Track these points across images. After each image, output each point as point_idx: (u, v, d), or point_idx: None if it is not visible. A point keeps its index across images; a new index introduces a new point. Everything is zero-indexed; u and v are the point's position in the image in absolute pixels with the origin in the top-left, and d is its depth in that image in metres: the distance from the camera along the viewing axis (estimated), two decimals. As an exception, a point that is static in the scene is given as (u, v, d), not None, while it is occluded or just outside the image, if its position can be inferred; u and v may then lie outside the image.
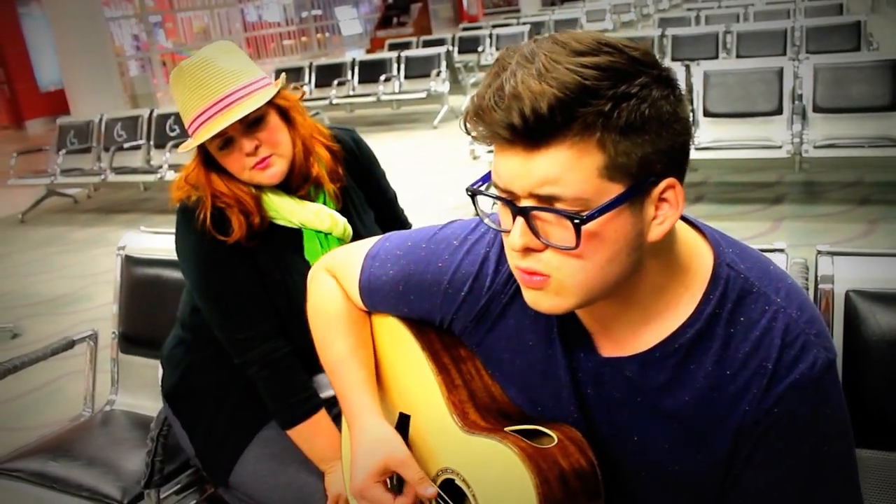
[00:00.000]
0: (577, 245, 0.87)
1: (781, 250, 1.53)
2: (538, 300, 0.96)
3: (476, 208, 1.01)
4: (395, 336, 1.27)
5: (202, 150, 1.69)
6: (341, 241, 1.76)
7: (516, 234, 0.91)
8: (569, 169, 0.86)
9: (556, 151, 0.86)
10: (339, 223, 1.76)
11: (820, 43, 7.47)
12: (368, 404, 1.24)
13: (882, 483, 1.45)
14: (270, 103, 1.66)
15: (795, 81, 5.49)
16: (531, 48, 0.88)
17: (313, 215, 1.74)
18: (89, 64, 9.15)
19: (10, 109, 15.88)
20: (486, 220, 1.02)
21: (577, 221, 0.86)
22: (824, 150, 5.20)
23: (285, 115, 1.71)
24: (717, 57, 7.81)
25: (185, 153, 1.73)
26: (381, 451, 1.16)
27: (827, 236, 4.64)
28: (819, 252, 1.54)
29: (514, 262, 0.95)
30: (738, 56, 7.62)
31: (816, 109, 5.41)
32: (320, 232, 1.76)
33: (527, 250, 0.92)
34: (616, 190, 0.87)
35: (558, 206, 0.87)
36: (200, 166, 1.70)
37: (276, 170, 1.68)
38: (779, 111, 5.51)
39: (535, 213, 0.89)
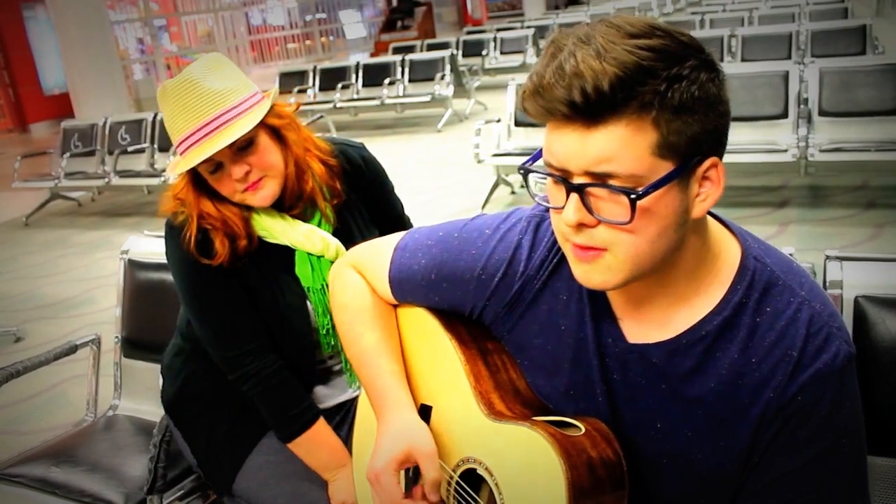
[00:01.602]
0: (631, 220, 0.91)
1: (790, 255, 1.51)
2: (590, 275, 0.98)
3: (527, 186, 1.03)
4: (420, 327, 1.28)
5: (192, 170, 1.62)
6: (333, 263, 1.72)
7: (570, 210, 0.93)
8: (624, 146, 0.89)
9: (614, 128, 0.89)
10: (330, 246, 1.71)
11: (825, 47, 7.45)
12: (400, 395, 1.25)
13: (891, 490, 1.44)
14: (261, 124, 1.59)
15: (801, 85, 5.47)
16: (586, 31, 0.91)
17: (304, 237, 1.69)
18: (94, 67, 9.17)
19: (15, 113, 15.91)
20: (537, 199, 1.04)
21: (633, 197, 0.89)
22: (830, 154, 5.19)
23: (277, 134, 1.65)
24: (721, 61, 7.74)
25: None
26: (409, 439, 1.17)
27: (833, 240, 4.63)
28: (828, 257, 1.53)
29: (568, 237, 0.97)
30: (742, 60, 7.60)
31: (822, 113, 5.39)
32: (312, 254, 1.71)
33: (580, 226, 0.94)
34: (666, 168, 0.91)
35: (612, 182, 0.90)
36: (189, 186, 1.65)
37: (267, 192, 1.63)
38: (784, 115, 5.49)
39: (589, 189, 0.92)
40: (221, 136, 1.53)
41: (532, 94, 0.92)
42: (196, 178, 1.65)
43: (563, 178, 0.94)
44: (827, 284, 1.49)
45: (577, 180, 0.92)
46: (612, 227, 0.93)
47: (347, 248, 1.70)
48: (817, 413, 0.97)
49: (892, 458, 1.42)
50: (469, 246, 1.19)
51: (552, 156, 0.94)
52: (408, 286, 1.27)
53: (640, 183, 0.90)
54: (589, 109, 0.88)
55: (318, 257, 1.71)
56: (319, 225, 1.73)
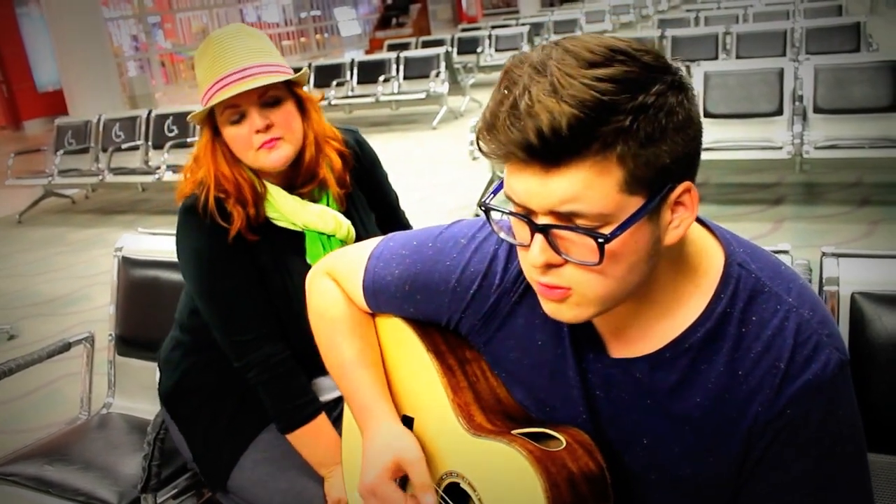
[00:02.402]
0: (600, 262, 0.86)
1: (786, 252, 1.52)
2: (560, 311, 0.95)
3: (490, 224, 0.99)
4: (398, 337, 1.25)
5: (212, 128, 1.67)
6: (344, 243, 1.73)
7: (536, 251, 0.89)
8: (589, 187, 0.84)
9: (576, 171, 0.84)
10: (343, 225, 1.74)
11: (820, 44, 7.46)
12: (382, 406, 1.22)
13: (888, 486, 1.44)
14: (290, 90, 1.66)
15: (796, 82, 5.48)
16: (541, 58, 0.85)
17: (316, 217, 1.72)
18: (88, 64, 9.13)
19: (8, 110, 15.86)
20: (502, 234, 1.00)
21: (601, 241, 0.85)
22: (825, 151, 5.19)
23: (302, 107, 1.70)
24: (716, 58, 7.80)
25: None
26: (395, 448, 1.15)
27: (828, 237, 4.63)
28: (824, 254, 1.52)
29: (534, 276, 0.94)
30: (737, 57, 7.61)
31: (817, 110, 5.40)
32: (323, 234, 1.73)
33: (547, 266, 0.90)
34: (636, 203, 0.86)
35: (579, 222, 0.86)
36: (209, 143, 1.69)
37: (283, 153, 1.65)
38: (779, 112, 5.50)
39: (555, 230, 0.88)
40: (253, 81, 1.59)
41: (486, 134, 0.87)
42: (215, 141, 1.68)
43: (527, 217, 0.89)
44: (823, 281, 1.49)
45: (542, 220, 0.88)
46: (580, 267, 0.89)
47: None
48: (808, 425, 0.93)
49: (888, 454, 1.42)
50: (444, 256, 1.15)
51: (514, 194, 0.89)
52: (382, 297, 1.23)
53: (608, 221, 0.85)
54: (547, 152, 0.82)
55: (329, 237, 1.73)
56: (328, 205, 1.75)
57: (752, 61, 6.24)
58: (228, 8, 22.68)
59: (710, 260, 0.99)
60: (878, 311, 1.42)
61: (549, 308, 0.95)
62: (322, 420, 1.70)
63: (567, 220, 0.86)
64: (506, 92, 0.86)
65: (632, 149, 0.83)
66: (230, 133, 1.65)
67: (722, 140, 5.43)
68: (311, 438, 1.69)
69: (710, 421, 0.97)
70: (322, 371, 1.79)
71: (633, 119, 0.82)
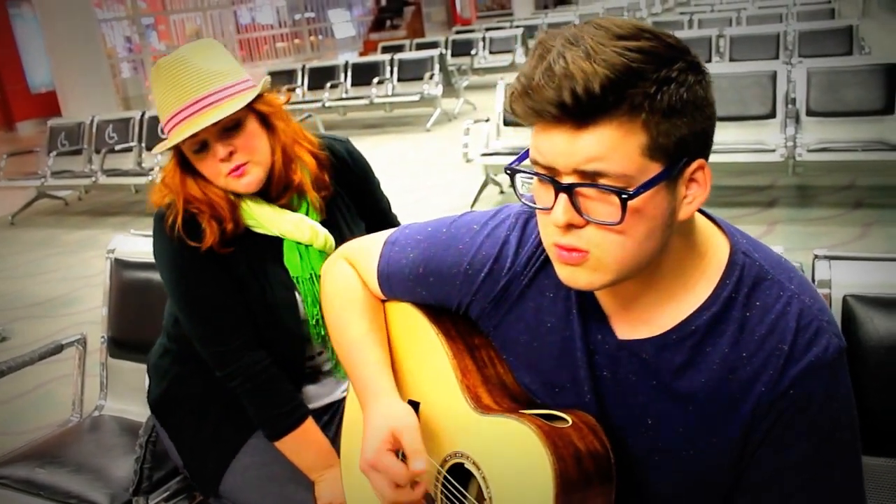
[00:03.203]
0: (622, 220, 0.90)
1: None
2: (575, 276, 0.97)
3: (514, 187, 1.03)
4: (409, 322, 1.28)
5: (178, 152, 1.64)
6: (322, 253, 1.72)
7: (559, 211, 0.92)
8: (615, 147, 0.89)
9: (604, 129, 0.88)
10: (319, 235, 1.71)
11: (812, 47, 7.48)
12: (384, 383, 1.24)
13: (880, 489, 1.44)
14: (250, 108, 1.61)
15: (789, 85, 5.50)
16: (573, 32, 0.91)
17: (293, 226, 1.69)
18: (81, 66, 9.12)
19: (1, 111, 15.80)
20: (523, 200, 1.04)
21: (624, 196, 0.89)
22: (818, 154, 5.21)
23: (266, 121, 1.65)
24: (710, 60, 7.81)
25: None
26: (390, 420, 1.16)
27: (821, 240, 4.65)
28: (816, 256, 1.53)
29: (554, 238, 0.96)
30: (731, 60, 7.62)
31: (810, 113, 5.42)
32: (300, 243, 1.71)
33: (568, 227, 0.93)
34: (655, 169, 0.90)
35: (602, 182, 0.90)
36: (176, 168, 1.66)
37: (252, 178, 1.63)
38: (772, 115, 5.51)
39: (579, 189, 0.91)
40: (209, 114, 1.55)
41: (521, 95, 0.91)
42: (183, 163, 1.66)
43: (551, 177, 0.93)
44: (815, 283, 1.49)
45: (566, 180, 0.92)
46: (600, 227, 0.92)
47: (335, 240, 1.72)
48: (810, 407, 0.97)
49: (882, 457, 1.42)
50: (457, 241, 1.19)
51: (540, 154, 0.93)
52: (395, 280, 1.27)
53: (630, 183, 0.89)
54: (579, 111, 0.87)
55: (307, 246, 1.71)
56: (307, 214, 1.73)
57: (745, 64, 6.27)
58: (222, 10, 22.65)
59: (716, 248, 1.03)
60: (870, 313, 1.43)
61: (565, 273, 0.98)
62: (308, 425, 1.70)
63: (591, 179, 0.90)
64: (540, 58, 0.90)
65: (655, 116, 0.88)
66: (197, 161, 1.63)
67: (715, 142, 5.40)
68: (298, 444, 1.69)
69: (713, 401, 1.00)
70: (309, 379, 1.79)
71: (657, 88, 0.88)
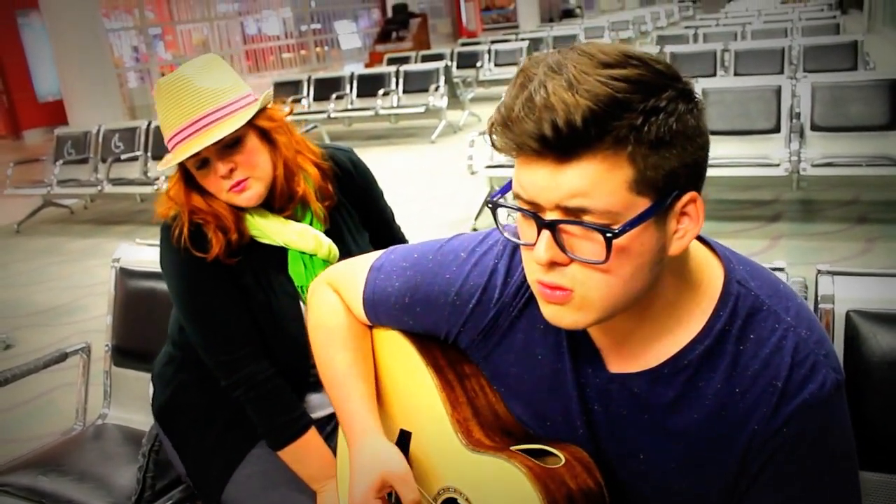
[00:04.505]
0: (607, 259, 0.86)
1: (781, 269, 1.52)
2: (560, 315, 0.94)
3: (496, 221, 0.99)
4: (397, 351, 1.25)
5: (182, 166, 1.67)
6: (326, 262, 1.73)
7: (542, 248, 0.89)
8: (599, 182, 0.84)
9: (588, 164, 0.84)
10: (323, 244, 1.72)
11: (817, 62, 7.49)
12: (368, 420, 1.21)
13: (882, 505, 1.44)
14: (250, 125, 1.62)
15: (793, 100, 5.50)
16: (557, 59, 0.87)
17: (297, 236, 1.71)
18: (88, 75, 9.14)
19: (8, 119, 15.86)
20: (505, 234, 1.00)
21: (609, 235, 0.85)
22: (822, 169, 5.21)
23: (267, 136, 1.67)
24: (714, 75, 7.82)
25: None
26: (381, 464, 1.14)
27: (824, 255, 4.64)
28: (819, 272, 1.53)
29: (537, 276, 0.93)
30: (735, 74, 7.63)
31: (814, 128, 5.41)
32: (304, 253, 1.73)
33: (552, 264, 0.90)
34: (643, 204, 0.86)
35: (587, 219, 0.86)
36: (180, 182, 1.69)
37: (253, 193, 1.65)
38: (777, 129, 5.52)
39: (562, 226, 0.88)
40: (209, 134, 1.57)
41: (501, 126, 0.88)
42: (187, 176, 1.68)
43: (534, 213, 0.89)
44: (818, 299, 1.49)
45: (549, 216, 0.88)
46: (585, 266, 0.88)
47: (339, 249, 1.73)
48: (804, 444, 0.94)
49: (883, 473, 1.41)
50: (444, 270, 1.16)
51: (522, 189, 0.89)
52: (381, 308, 1.23)
53: (615, 220, 0.85)
54: (560, 144, 0.83)
55: (311, 256, 1.73)
56: (311, 224, 1.74)
57: (749, 78, 6.26)
58: (229, 20, 22.75)
59: (710, 277, 1.00)
60: (873, 329, 1.42)
61: (549, 312, 0.95)
62: (312, 435, 1.70)
63: (575, 215, 0.87)
64: (521, 87, 0.87)
65: (642, 149, 0.84)
66: (199, 176, 1.65)
67: (719, 157, 5.42)
68: (301, 454, 1.69)
69: (706, 437, 0.98)
70: (313, 388, 1.79)
71: (644, 119, 0.83)
